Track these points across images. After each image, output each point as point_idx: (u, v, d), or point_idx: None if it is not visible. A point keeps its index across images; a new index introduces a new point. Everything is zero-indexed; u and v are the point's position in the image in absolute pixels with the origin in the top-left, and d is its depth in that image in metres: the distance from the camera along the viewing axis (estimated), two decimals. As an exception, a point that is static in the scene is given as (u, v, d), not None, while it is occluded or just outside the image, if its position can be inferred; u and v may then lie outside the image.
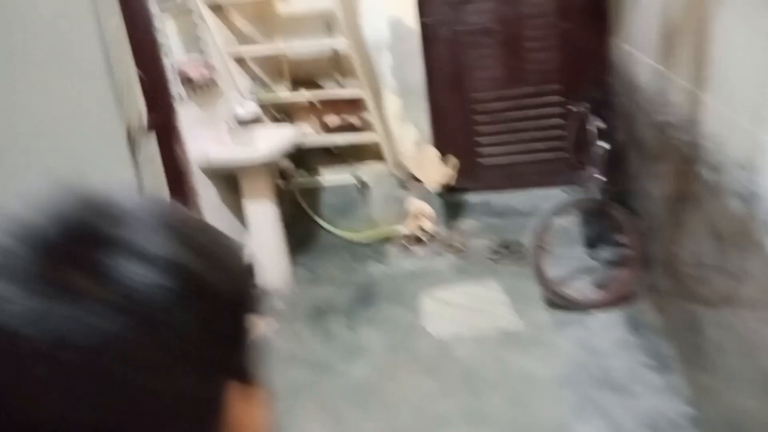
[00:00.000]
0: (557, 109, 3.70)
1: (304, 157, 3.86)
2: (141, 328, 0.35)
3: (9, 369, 0.33)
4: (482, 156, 3.91)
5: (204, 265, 0.39)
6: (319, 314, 3.15)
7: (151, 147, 0.99)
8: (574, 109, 3.16)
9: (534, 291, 2.98)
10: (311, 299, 3.28)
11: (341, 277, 3.49)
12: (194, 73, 3.06)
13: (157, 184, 1.01)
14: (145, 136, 0.97)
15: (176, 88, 2.96)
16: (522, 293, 3.06)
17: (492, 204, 3.90)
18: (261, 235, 3.35)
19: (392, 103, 3.78)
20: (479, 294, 3.13)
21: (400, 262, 3.59)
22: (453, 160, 3.75)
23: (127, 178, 0.94)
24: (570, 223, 3.34)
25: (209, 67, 3.20)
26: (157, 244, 0.37)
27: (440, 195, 3.77)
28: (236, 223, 3.44)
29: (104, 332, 0.34)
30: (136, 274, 0.35)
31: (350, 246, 3.79)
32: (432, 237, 3.67)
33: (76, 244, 0.36)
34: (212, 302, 0.38)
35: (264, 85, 3.73)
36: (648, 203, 2.72)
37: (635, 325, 2.72)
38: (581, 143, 3.16)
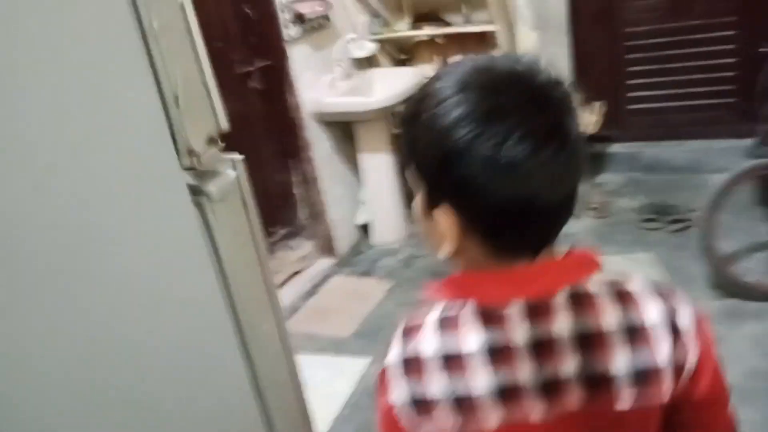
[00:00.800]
0: (730, 47, 3.20)
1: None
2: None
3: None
4: (632, 101, 3.48)
5: None
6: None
7: (227, 164, 0.66)
8: (763, 49, 2.57)
9: (698, 271, 2.51)
10: (428, 259, 2.99)
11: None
12: (307, 10, 2.76)
13: (236, 213, 0.69)
14: (215, 146, 0.64)
15: (287, 27, 2.68)
16: (682, 272, 2.59)
17: (641, 157, 3.46)
18: (377, 189, 3.16)
19: (527, 39, 3.36)
20: (626, 269, 2.70)
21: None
22: (598, 105, 3.31)
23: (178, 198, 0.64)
24: (747, 188, 2.78)
25: (324, 3, 2.88)
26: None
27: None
28: (350, 175, 3.20)
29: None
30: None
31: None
32: (568, 195, 3.24)
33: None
34: None
35: (383, 21, 3.41)
36: None
37: (833, 324, 2.20)
38: (766, 91, 2.61)
